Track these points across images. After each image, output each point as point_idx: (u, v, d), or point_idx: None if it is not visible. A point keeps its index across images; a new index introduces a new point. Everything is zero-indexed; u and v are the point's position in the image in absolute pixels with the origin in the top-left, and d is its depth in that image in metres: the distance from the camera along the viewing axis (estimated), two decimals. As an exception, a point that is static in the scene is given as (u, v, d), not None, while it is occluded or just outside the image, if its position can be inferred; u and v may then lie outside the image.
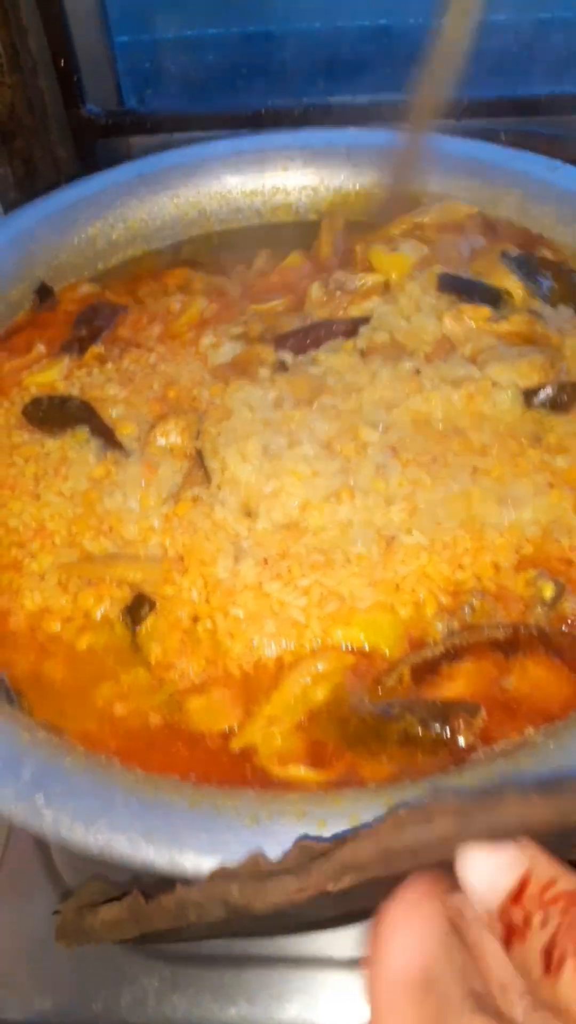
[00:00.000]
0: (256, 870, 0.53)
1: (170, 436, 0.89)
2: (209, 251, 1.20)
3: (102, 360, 1.02)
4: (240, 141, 1.20)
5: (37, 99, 1.44)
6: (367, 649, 0.74)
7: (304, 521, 0.80)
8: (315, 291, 1.06)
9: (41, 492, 0.86)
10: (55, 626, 0.77)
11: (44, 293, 1.11)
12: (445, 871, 0.43)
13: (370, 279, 1.05)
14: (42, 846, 0.92)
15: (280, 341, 0.98)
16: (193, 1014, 0.82)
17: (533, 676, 0.70)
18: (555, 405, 0.87)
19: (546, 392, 0.87)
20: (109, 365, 1.01)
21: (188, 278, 1.14)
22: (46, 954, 0.91)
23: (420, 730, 0.66)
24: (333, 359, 0.95)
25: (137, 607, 0.76)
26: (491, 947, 0.44)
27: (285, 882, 0.50)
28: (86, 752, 0.65)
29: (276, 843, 0.56)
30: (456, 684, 0.70)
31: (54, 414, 0.94)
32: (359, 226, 1.17)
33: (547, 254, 1.05)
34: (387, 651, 0.73)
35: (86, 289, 1.14)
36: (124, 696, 0.73)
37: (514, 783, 0.57)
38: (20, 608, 0.78)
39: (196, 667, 0.73)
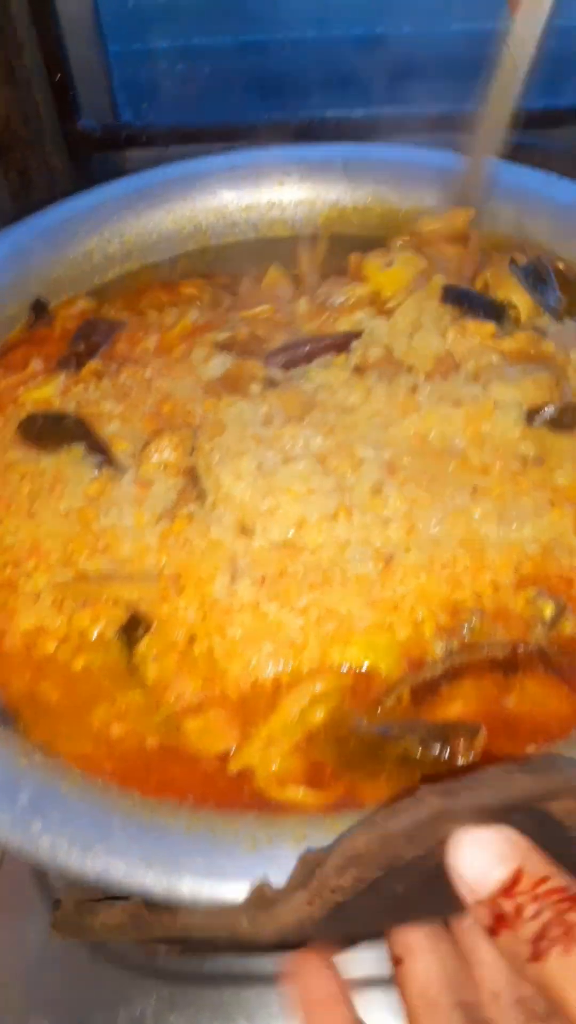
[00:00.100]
0: (263, 898, 0.53)
1: (164, 453, 0.88)
2: (206, 264, 1.20)
3: (99, 376, 1.01)
4: (236, 156, 1.19)
5: (32, 112, 1.44)
6: (365, 669, 0.73)
7: (301, 540, 0.79)
8: (302, 305, 1.06)
9: (36, 510, 0.86)
10: (50, 646, 0.76)
11: (40, 308, 1.11)
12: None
13: (357, 291, 1.05)
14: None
15: (270, 357, 0.98)
16: (191, 1034, 0.82)
17: (533, 694, 0.70)
18: (557, 425, 0.86)
19: (549, 412, 0.86)
20: (105, 381, 1.00)
21: (199, 287, 1.14)
22: (42, 974, 0.91)
23: (420, 751, 0.65)
24: (324, 375, 0.94)
25: (133, 627, 0.76)
26: (486, 955, 0.47)
27: (295, 899, 0.50)
28: (83, 776, 0.64)
29: (275, 867, 0.55)
30: (456, 704, 0.69)
31: (49, 431, 0.93)
32: (356, 240, 1.17)
33: (559, 264, 1.05)
34: (385, 671, 0.72)
35: (82, 304, 1.13)
36: (120, 717, 0.72)
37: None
38: (15, 628, 0.78)
39: (193, 688, 0.72)
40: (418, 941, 0.52)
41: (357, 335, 0.98)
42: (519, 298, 0.99)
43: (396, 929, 0.53)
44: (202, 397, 0.95)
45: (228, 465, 0.84)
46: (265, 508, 0.81)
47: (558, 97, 1.41)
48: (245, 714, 0.71)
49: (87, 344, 1.06)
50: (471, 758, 0.64)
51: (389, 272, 1.06)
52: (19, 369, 1.04)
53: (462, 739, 0.65)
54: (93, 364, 1.02)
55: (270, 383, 0.95)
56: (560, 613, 0.74)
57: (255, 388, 0.95)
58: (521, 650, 0.71)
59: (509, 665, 0.71)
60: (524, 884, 0.41)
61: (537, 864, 0.42)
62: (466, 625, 0.74)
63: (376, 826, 0.48)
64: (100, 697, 0.73)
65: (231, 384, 0.96)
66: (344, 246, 1.16)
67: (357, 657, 0.73)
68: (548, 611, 0.74)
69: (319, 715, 0.70)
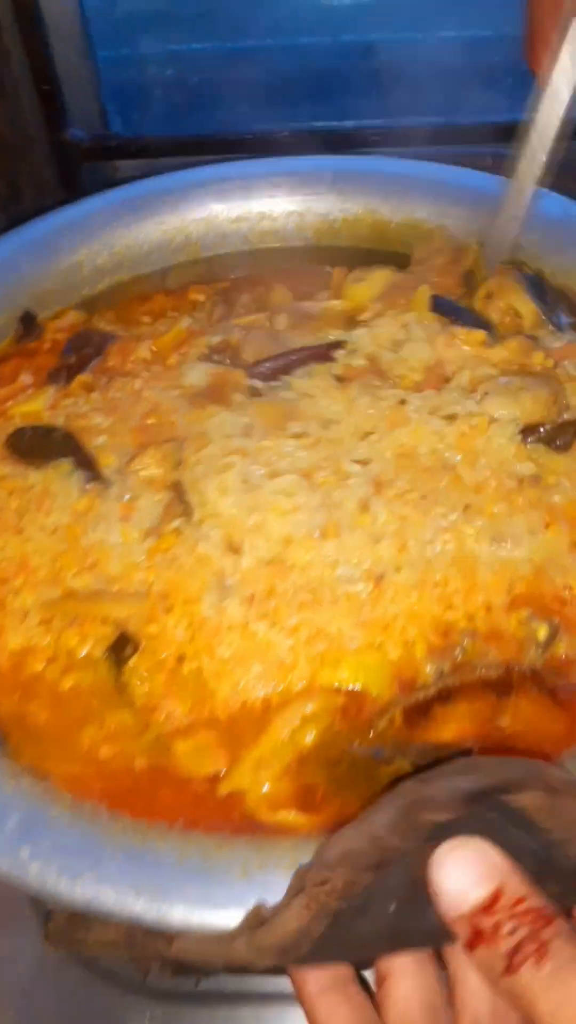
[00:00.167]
0: (259, 919, 0.53)
1: (149, 468, 0.88)
2: (197, 275, 1.19)
3: (88, 388, 1.00)
4: (226, 167, 1.19)
5: (20, 122, 1.44)
6: (356, 690, 0.72)
7: (289, 557, 0.78)
8: (281, 320, 1.06)
9: (24, 526, 0.85)
10: (39, 666, 0.76)
11: (28, 321, 1.10)
12: None
13: (335, 306, 1.05)
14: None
15: (252, 368, 0.97)
16: (186, 1054, 0.81)
17: (526, 714, 0.69)
18: (554, 444, 0.85)
19: (545, 429, 0.85)
20: (95, 394, 0.99)
21: (207, 294, 1.14)
22: (35, 992, 0.90)
23: (412, 773, 0.64)
24: (306, 384, 0.93)
25: (121, 646, 0.75)
26: (472, 983, 0.49)
27: (292, 906, 0.51)
28: (73, 800, 0.63)
29: (268, 895, 0.55)
30: (449, 726, 0.69)
31: (38, 445, 0.92)
32: (347, 252, 1.17)
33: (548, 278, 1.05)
34: (376, 692, 0.72)
35: (72, 317, 1.12)
36: (109, 738, 0.71)
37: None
38: (3, 647, 0.77)
39: (182, 709, 0.72)
40: (403, 964, 0.53)
41: (340, 345, 0.98)
42: (524, 307, 0.99)
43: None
44: (186, 408, 0.94)
45: (213, 480, 0.83)
46: (251, 524, 0.80)
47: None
48: (235, 736, 0.70)
49: (78, 357, 1.05)
50: None
51: (359, 286, 1.07)
52: (8, 383, 1.03)
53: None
54: (83, 377, 1.01)
55: (253, 392, 0.95)
56: (553, 635, 0.73)
57: (237, 398, 0.94)
58: (515, 672, 0.71)
59: (502, 686, 0.70)
60: (503, 903, 0.44)
61: (516, 885, 0.45)
62: (458, 647, 0.73)
63: (361, 823, 0.51)
64: (89, 718, 0.72)
65: (215, 394, 0.96)
66: (335, 259, 1.17)
67: (347, 678, 0.72)
68: (542, 633, 0.73)
69: (310, 737, 0.69)
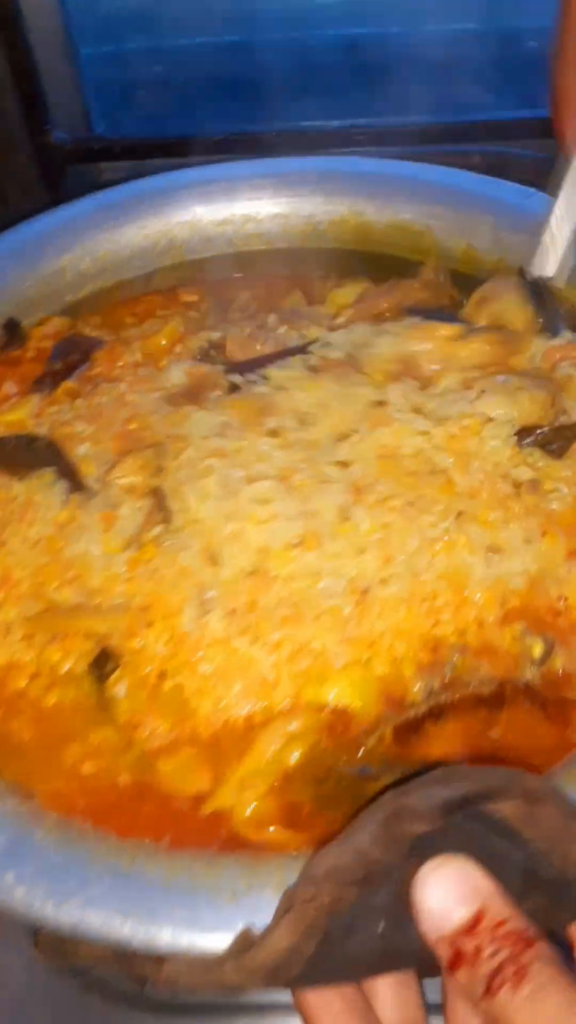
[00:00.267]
0: (248, 942, 0.52)
1: (128, 475, 0.87)
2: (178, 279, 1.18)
3: (73, 396, 0.99)
4: (209, 170, 1.18)
5: (1, 124, 1.42)
6: (341, 708, 0.71)
7: (271, 569, 0.77)
8: (271, 320, 1.05)
9: (7, 538, 0.84)
10: (22, 682, 0.75)
11: (12, 329, 1.09)
12: None
13: (320, 311, 1.06)
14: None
15: (231, 366, 0.97)
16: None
17: (518, 726, 0.69)
18: (549, 448, 0.83)
19: (542, 433, 0.83)
20: (79, 401, 0.98)
21: (200, 295, 1.13)
22: (28, 1005, 0.89)
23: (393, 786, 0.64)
24: (281, 375, 0.93)
25: (103, 662, 0.74)
26: (460, 1009, 0.51)
27: (281, 925, 0.50)
28: (59, 822, 0.63)
29: (257, 918, 0.54)
30: (440, 742, 0.68)
31: (21, 455, 0.91)
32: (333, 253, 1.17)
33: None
34: (362, 710, 0.71)
35: (56, 323, 1.11)
36: (93, 756, 0.70)
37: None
38: (-13, 664, 0.76)
39: (164, 726, 0.71)
40: (384, 986, 0.55)
41: (314, 341, 0.97)
42: (517, 312, 0.97)
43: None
44: (166, 410, 0.93)
45: (193, 484, 0.82)
46: (228, 533, 0.79)
47: (537, 108, 1.40)
48: (218, 755, 0.69)
49: (64, 363, 1.04)
50: None
51: (338, 292, 1.08)
52: (-8, 391, 1.02)
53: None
54: (68, 384, 1.01)
55: (232, 388, 0.94)
56: (549, 651, 0.72)
57: (213, 396, 0.93)
58: (508, 688, 0.70)
59: (495, 701, 0.69)
60: (484, 924, 0.44)
61: (498, 906, 0.45)
62: (448, 663, 0.72)
63: (345, 838, 0.51)
64: (72, 735, 0.71)
65: (193, 393, 0.95)
66: (320, 261, 1.16)
67: (333, 696, 0.71)
68: (537, 649, 0.72)
69: (295, 756, 0.68)
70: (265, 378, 0.93)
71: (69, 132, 1.46)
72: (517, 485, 0.81)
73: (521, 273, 1.01)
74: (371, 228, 1.15)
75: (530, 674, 0.72)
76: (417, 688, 0.71)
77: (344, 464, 0.83)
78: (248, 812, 0.66)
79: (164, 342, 1.05)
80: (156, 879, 0.58)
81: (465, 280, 1.09)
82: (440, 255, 1.11)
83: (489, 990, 0.42)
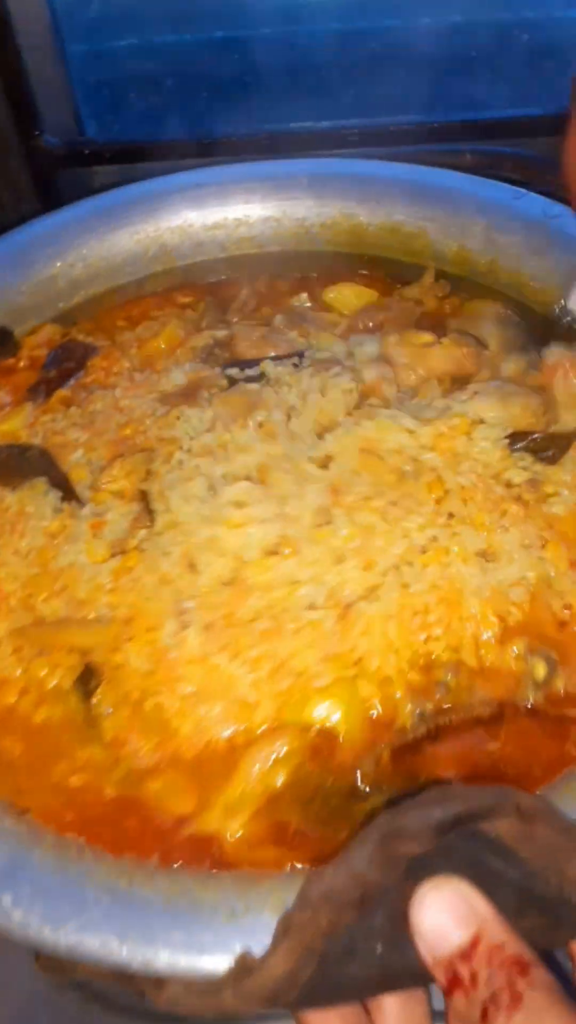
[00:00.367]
0: (246, 967, 0.52)
1: (118, 480, 0.87)
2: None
3: (67, 403, 0.99)
4: (200, 174, 1.18)
5: (-7, 128, 1.41)
6: (326, 729, 0.69)
7: (248, 578, 0.76)
8: (278, 320, 1.06)
9: (-1, 551, 0.84)
10: (12, 698, 0.74)
11: (4, 337, 1.09)
12: None
13: (326, 317, 1.06)
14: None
15: (229, 365, 0.98)
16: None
17: (517, 741, 0.67)
18: (541, 454, 0.82)
19: (536, 438, 0.83)
20: (73, 408, 0.98)
21: (197, 296, 1.14)
22: (30, 1017, 0.89)
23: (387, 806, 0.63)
24: (274, 370, 0.94)
25: (87, 678, 0.74)
26: None
27: (279, 950, 0.50)
28: (56, 842, 0.62)
29: (255, 939, 0.54)
30: (438, 761, 0.67)
31: (13, 465, 0.91)
32: (324, 256, 1.16)
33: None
34: (347, 732, 0.69)
35: (49, 331, 1.11)
36: (81, 774, 0.70)
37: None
38: (-21, 681, 0.75)
39: (147, 747, 0.70)
40: (391, 1001, 0.55)
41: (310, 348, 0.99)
42: (490, 332, 0.98)
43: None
44: (160, 412, 0.93)
45: (178, 488, 0.82)
46: (204, 537, 0.78)
47: (530, 106, 1.40)
48: (202, 778, 0.68)
49: (59, 371, 1.04)
50: None
51: (340, 298, 1.08)
52: (-16, 401, 1.01)
53: None
54: (62, 392, 1.00)
55: (231, 382, 0.95)
56: (552, 672, 0.70)
57: (206, 395, 0.94)
58: (509, 710, 0.68)
59: (495, 720, 0.68)
60: (481, 949, 0.44)
61: (495, 930, 0.45)
62: (441, 684, 0.70)
63: (341, 860, 0.51)
64: (61, 753, 0.71)
65: (189, 393, 0.95)
66: (313, 264, 1.16)
67: (316, 717, 0.69)
68: (540, 671, 0.70)
69: (280, 778, 0.67)
70: (261, 373, 0.94)
71: (60, 136, 1.45)
72: (512, 487, 0.80)
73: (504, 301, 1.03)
74: (363, 230, 1.14)
75: (532, 695, 0.70)
76: (408, 710, 0.69)
77: (325, 460, 0.83)
78: (233, 837, 0.65)
79: (163, 345, 1.06)
80: (154, 900, 0.57)
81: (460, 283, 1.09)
82: (433, 256, 1.11)
83: (485, 1017, 0.42)
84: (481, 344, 0.96)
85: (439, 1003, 0.55)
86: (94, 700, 0.73)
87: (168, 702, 0.71)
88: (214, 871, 0.61)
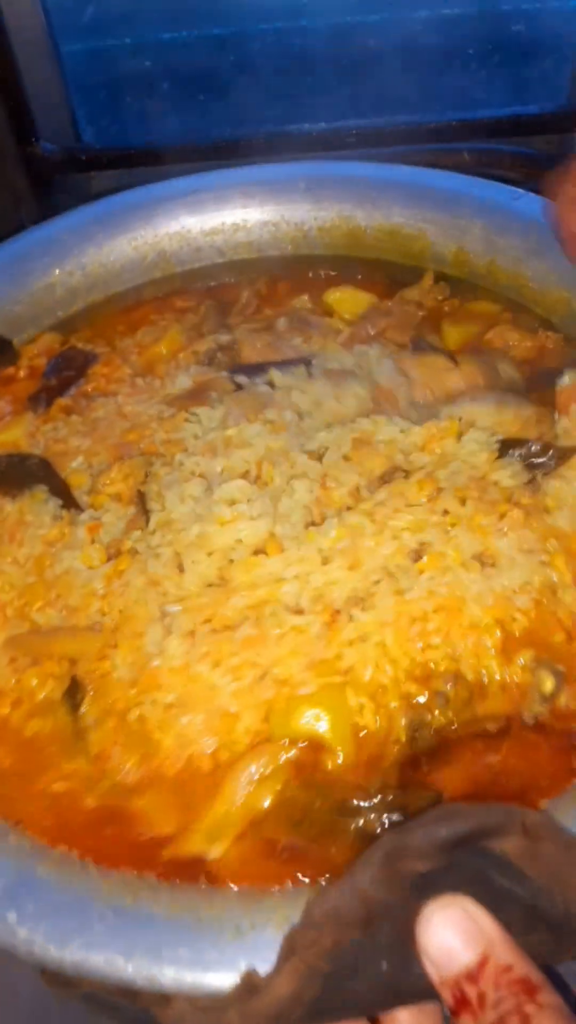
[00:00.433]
0: (251, 985, 0.52)
1: (116, 483, 0.87)
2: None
3: (68, 412, 0.99)
4: (197, 179, 1.17)
5: (-11, 136, 1.41)
6: (314, 742, 0.68)
7: (233, 578, 0.75)
8: (281, 323, 1.06)
9: (-3, 561, 0.84)
10: (5, 710, 0.74)
11: (3, 347, 1.08)
12: None
13: (328, 322, 1.06)
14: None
15: (237, 369, 0.98)
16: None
17: (520, 753, 0.66)
18: (531, 463, 0.82)
19: (529, 448, 0.82)
20: (75, 416, 0.98)
21: (197, 300, 1.14)
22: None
23: (377, 825, 0.62)
24: (283, 379, 0.94)
25: (74, 690, 0.73)
26: None
27: (284, 970, 0.50)
28: (59, 859, 0.62)
29: (260, 957, 0.53)
30: (441, 774, 0.66)
31: (13, 473, 0.91)
32: (323, 260, 1.17)
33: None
34: (337, 743, 0.67)
35: (48, 339, 1.11)
36: (68, 787, 0.69)
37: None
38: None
39: (131, 761, 0.69)
40: (405, 1017, 0.53)
41: (318, 355, 0.98)
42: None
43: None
44: (167, 414, 0.93)
45: (175, 488, 0.82)
46: (195, 535, 0.78)
47: (528, 104, 1.40)
48: (183, 799, 0.67)
49: (59, 379, 1.04)
50: None
51: (342, 303, 1.08)
52: (-16, 412, 1.01)
53: (422, 808, 0.62)
54: (63, 401, 1.00)
55: (237, 388, 0.95)
56: (559, 685, 0.69)
57: (214, 395, 0.94)
58: (516, 724, 0.67)
59: (498, 735, 0.67)
60: (489, 971, 0.43)
61: (503, 950, 0.44)
62: (440, 694, 0.68)
63: (345, 879, 0.50)
64: (49, 765, 0.71)
65: (197, 394, 0.96)
66: (313, 267, 1.16)
67: (302, 727, 0.67)
68: (548, 684, 0.68)
69: (265, 799, 0.65)
70: (269, 382, 0.94)
71: (57, 142, 1.45)
72: (504, 489, 0.79)
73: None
74: (362, 233, 1.14)
75: (539, 709, 0.69)
76: (404, 723, 0.67)
77: (320, 452, 0.83)
78: (215, 856, 0.63)
79: (164, 351, 1.06)
80: (158, 916, 0.57)
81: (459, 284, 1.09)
82: (432, 259, 1.10)
83: None
84: (498, 373, 0.95)
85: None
86: (82, 710, 0.72)
87: (151, 713, 0.70)
88: (220, 888, 0.61)
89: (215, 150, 1.38)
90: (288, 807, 0.66)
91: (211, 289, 1.17)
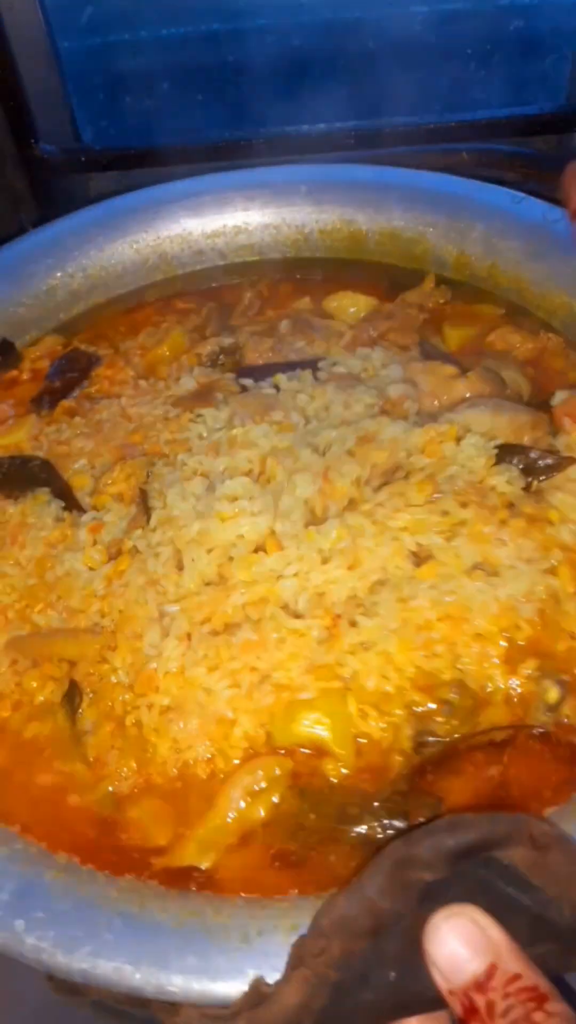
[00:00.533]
0: (259, 994, 0.52)
1: (118, 483, 0.87)
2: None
3: (72, 413, 1.00)
4: (198, 182, 1.17)
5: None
6: (313, 750, 0.68)
7: (231, 575, 0.75)
8: (284, 326, 1.06)
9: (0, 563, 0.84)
10: (5, 712, 0.75)
11: (6, 350, 1.09)
12: None
13: (330, 325, 1.05)
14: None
15: (242, 372, 0.99)
16: None
17: (524, 763, 0.66)
18: (529, 469, 0.82)
19: (526, 455, 0.82)
20: (78, 418, 0.98)
21: (198, 302, 1.14)
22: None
23: (378, 832, 0.62)
24: (289, 384, 0.94)
25: (72, 694, 0.74)
26: None
27: (293, 979, 0.50)
28: (65, 866, 0.62)
29: (268, 964, 0.54)
30: (445, 784, 0.65)
31: (16, 476, 0.92)
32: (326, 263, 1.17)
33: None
34: (337, 752, 0.67)
35: (50, 342, 1.11)
36: (66, 790, 0.70)
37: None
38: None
39: (127, 769, 0.69)
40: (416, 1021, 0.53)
41: (324, 357, 0.99)
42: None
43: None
44: (172, 414, 0.94)
45: (177, 486, 0.82)
46: (196, 531, 0.78)
47: (528, 104, 1.40)
48: (178, 810, 0.67)
49: (63, 381, 1.04)
50: None
51: (344, 306, 1.09)
52: (-12, 415, 1.01)
53: (422, 814, 0.62)
54: (67, 403, 1.01)
55: (242, 390, 0.96)
56: (564, 696, 0.69)
57: (220, 396, 0.94)
58: (521, 734, 0.67)
59: (501, 745, 0.67)
60: (497, 980, 0.43)
61: (511, 960, 0.44)
62: (445, 703, 0.68)
63: (353, 888, 0.50)
64: (46, 768, 0.71)
65: (203, 395, 0.96)
66: (314, 270, 1.16)
67: (301, 735, 0.67)
68: (553, 695, 0.68)
69: (262, 812, 0.65)
70: (274, 385, 0.95)
71: (56, 144, 1.45)
72: (503, 495, 0.79)
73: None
74: (363, 236, 1.14)
75: (543, 719, 0.69)
76: (408, 732, 0.67)
77: (325, 447, 0.83)
78: (206, 867, 0.63)
79: (167, 352, 1.06)
80: (166, 923, 0.57)
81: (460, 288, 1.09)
82: (433, 262, 1.11)
83: None
84: (504, 383, 0.95)
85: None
86: (79, 714, 0.73)
87: (147, 717, 0.70)
88: (227, 895, 0.61)
89: (215, 151, 1.38)
90: (287, 815, 0.66)
91: (213, 291, 1.17)
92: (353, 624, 0.71)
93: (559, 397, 0.90)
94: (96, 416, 0.98)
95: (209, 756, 0.68)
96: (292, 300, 1.13)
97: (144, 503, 0.84)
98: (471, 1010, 0.43)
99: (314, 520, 0.78)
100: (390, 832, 0.62)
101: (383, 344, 0.99)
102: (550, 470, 0.81)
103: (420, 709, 0.69)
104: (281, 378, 0.94)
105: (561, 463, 0.81)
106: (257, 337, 1.05)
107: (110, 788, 0.69)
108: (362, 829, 0.63)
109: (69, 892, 0.60)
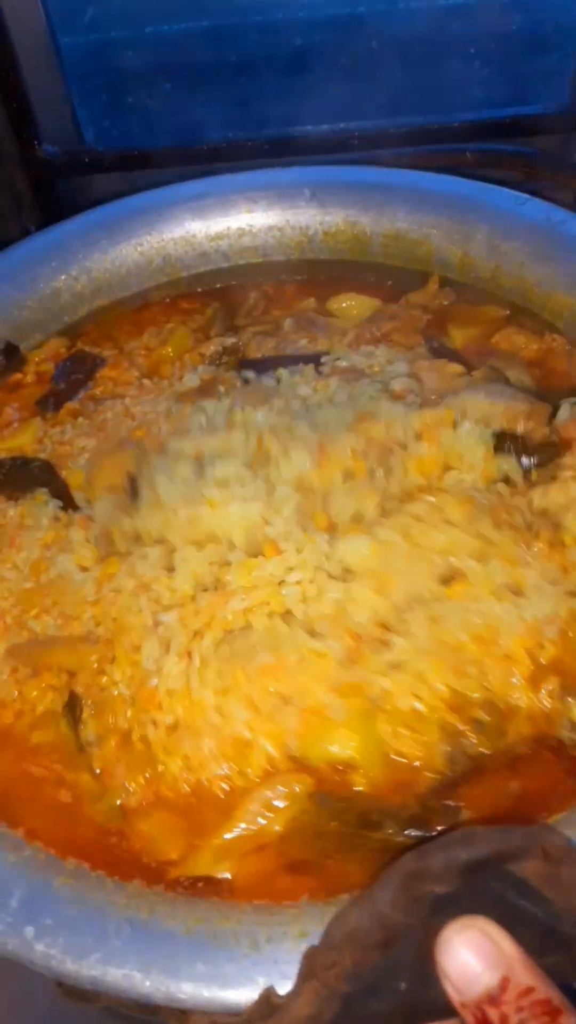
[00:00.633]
0: (270, 1005, 0.52)
1: (107, 474, 0.87)
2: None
3: (75, 415, 1.00)
4: (202, 183, 1.17)
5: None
6: (339, 770, 0.67)
7: (228, 583, 0.74)
8: (287, 324, 1.06)
9: (-2, 566, 0.84)
10: (8, 719, 0.74)
11: (11, 353, 1.08)
12: None
13: (334, 323, 1.06)
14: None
15: (244, 364, 0.99)
16: None
17: (539, 776, 0.67)
18: (524, 455, 0.82)
19: (523, 442, 0.83)
20: (81, 419, 0.99)
21: (202, 302, 1.14)
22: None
23: (399, 839, 0.62)
24: (291, 378, 0.95)
25: (73, 705, 0.73)
26: None
27: (304, 991, 0.50)
28: (74, 872, 0.62)
29: (277, 972, 0.54)
30: (469, 795, 0.66)
31: (16, 477, 0.92)
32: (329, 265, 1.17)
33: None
34: (367, 771, 0.66)
35: (55, 344, 1.11)
36: (74, 799, 0.69)
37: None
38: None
39: (135, 783, 0.68)
40: None
41: (327, 352, 0.99)
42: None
43: None
44: (173, 410, 0.94)
45: (164, 471, 0.82)
46: (185, 518, 0.77)
47: (528, 104, 1.39)
48: (191, 824, 0.66)
49: (68, 383, 1.04)
50: None
51: (348, 307, 1.09)
52: (-7, 418, 1.01)
53: (443, 822, 0.63)
54: (71, 405, 1.01)
55: (244, 383, 0.96)
56: None
57: (221, 389, 0.95)
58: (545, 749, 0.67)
59: (526, 758, 0.67)
60: (510, 993, 0.43)
61: (523, 973, 0.44)
62: (476, 722, 0.67)
63: (364, 900, 0.50)
64: (52, 778, 0.71)
65: (205, 390, 0.97)
66: (318, 272, 1.16)
67: (329, 755, 0.67)
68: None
69: (278, 827, 0.64)
70: (276, 379, 0.95)
71: (59, 144, 1.44)
72: (494, 483, 0.80)
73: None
74: (367, 238, 1.14)
75: (567, 735, 0.68)
76: (441, 750, 0.67)
77: (322, 426, 0.83)
78: (221, 876, 0.63)
79: (171, 352, 1.06)
80: (175, 930, 0.57)
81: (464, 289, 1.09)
82: (437, 263, 1.10)
83: None
84: (508, 382, 0.95)
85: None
86: (82, 726, 0.72)
87: (153, 734, 0.69)
88: (236, 901, 0.61)
89: (218, 152, 1.38)
90: (306, 824, 0.65)
91: (217, 291, 1.17)
92: (385, 644, 0.70)
93: (564, 412, 0.89)
94: (100, 416, 0.98)
95: (226, 775, 0.67)
96: (296, 301, 1.12)
97: (133, 490, 0.84)
98: (484, 1023, 0.43)
99: (310, 488, 0.79)
100: (411, 838, 0.62)
101: (387, 344, 1.00)
102: (548, 458, 0.82)
103: (455, 729, 0.68)
104: (283, 372, 0.95)
105: (559, 450, 0.82)
106: (261, 336, 1.05)
107: (118, 801, 0.68)
108: (382, 835, 0.63)
109: (78, 899, 0.60)
